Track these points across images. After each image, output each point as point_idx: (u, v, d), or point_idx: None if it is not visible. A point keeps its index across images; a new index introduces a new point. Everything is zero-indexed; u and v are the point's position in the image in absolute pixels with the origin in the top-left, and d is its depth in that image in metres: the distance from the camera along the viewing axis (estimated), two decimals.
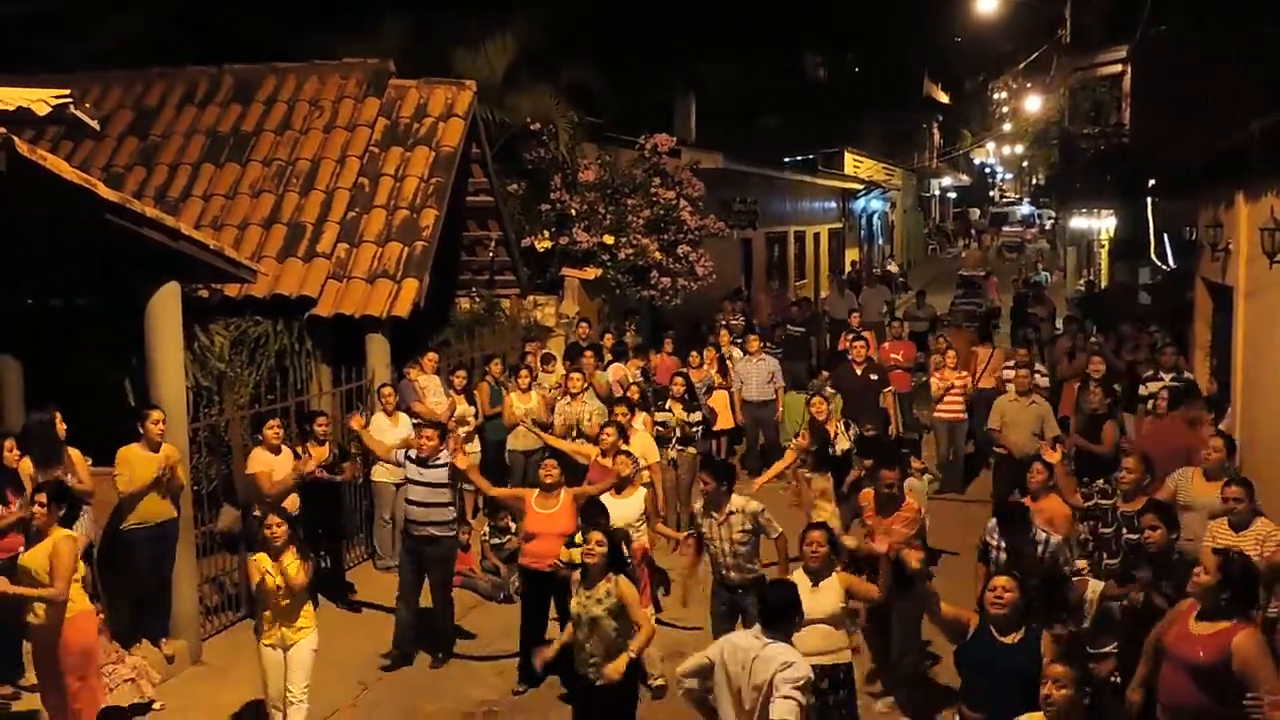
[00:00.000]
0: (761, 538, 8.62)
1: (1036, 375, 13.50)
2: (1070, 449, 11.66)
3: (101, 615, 8.50)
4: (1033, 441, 11.82)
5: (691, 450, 12.90)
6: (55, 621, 7.46)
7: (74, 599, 7.58)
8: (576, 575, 7.58)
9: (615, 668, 7.15)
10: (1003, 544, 8.03)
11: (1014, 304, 25.33)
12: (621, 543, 7.83)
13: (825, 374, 14.39)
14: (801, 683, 5.85)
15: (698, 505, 8.86)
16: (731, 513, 8.49)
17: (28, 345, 10.85)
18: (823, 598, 7.17)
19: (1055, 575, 7.49)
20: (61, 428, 8.81)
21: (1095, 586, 7.51)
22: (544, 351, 14.32)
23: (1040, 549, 7.76)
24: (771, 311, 23.34)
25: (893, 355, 15.65)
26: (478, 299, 15.50)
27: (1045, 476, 8.85)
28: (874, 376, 14.03)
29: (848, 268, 34.61)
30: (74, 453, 8.94)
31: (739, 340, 16.71)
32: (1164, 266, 18.02)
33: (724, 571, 8.58)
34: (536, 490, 9.38)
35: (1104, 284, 27.76)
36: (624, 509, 9.32)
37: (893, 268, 40.07)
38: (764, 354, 15.29)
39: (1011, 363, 13.61)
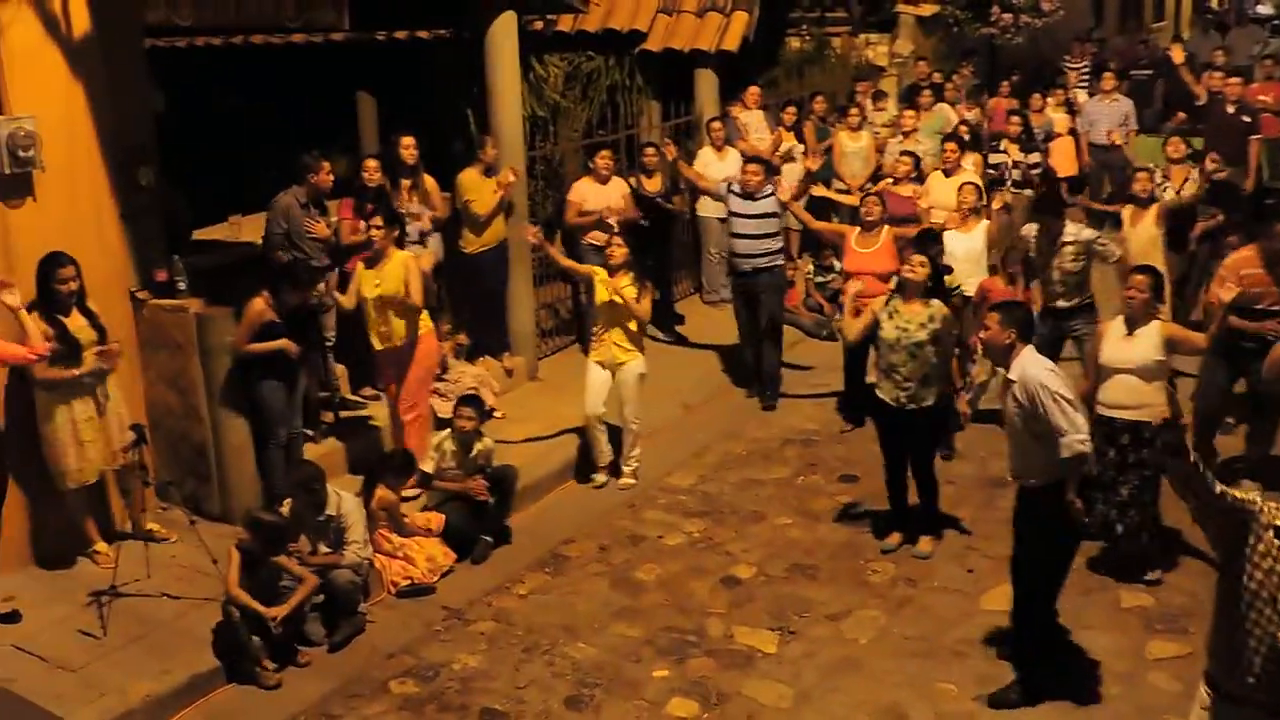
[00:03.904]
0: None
1: None
2: None
3: (447, 327, 9.13)
4: None
5: (1027, 193, 12.34)
6: (411, 338, 7.97)
7: (422, 319, 8.07)
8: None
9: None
10: None
11: None
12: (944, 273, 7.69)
13: (1182, 115, 13.25)
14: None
15: (1030, 229, 8.59)
16: (1065, 242, 8.23)
17: (379, 79, 11.42)
18: (1136, 346, 6.73)
19: None
20: (411, 154, 9.21)
21: None
22: (875, 89, 13.86)
23: None
24: (1121, 55, 21.63)
25: (1261, 97, 14.18)
26: (807, 37, 15.07)
27: None
28: (1247, 119, 12.80)
29: (1215, 5, 31.43)
30: (428, 179, 9.34)
31: (1085, 84, 15.67)
32: None
33: (1054, 300, 8.41)
34: (858, 228, 9.22)
35: None
36: (967, 244, 9.13)
37: (1266, 9, 36.10)
38: (1118, 95, 14.23)
39: None
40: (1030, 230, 8.63)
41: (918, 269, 7.14)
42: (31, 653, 6.29)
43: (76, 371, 6.82)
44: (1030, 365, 5.68)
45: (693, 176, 10.42)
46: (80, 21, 6.99)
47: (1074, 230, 8.41)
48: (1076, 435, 5.54)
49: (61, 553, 7.16)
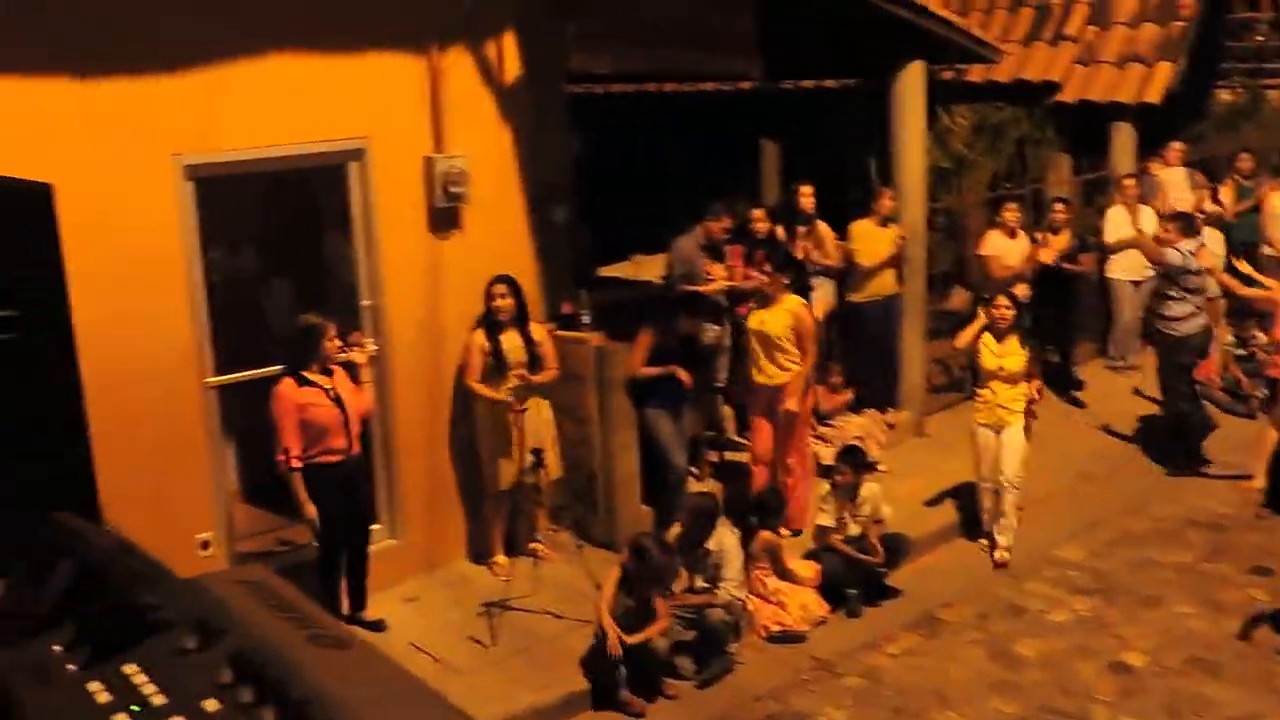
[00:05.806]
0: None
1: None
2: None
3: (839, 379, 9.09)
4: None
5: None
6: (787, 380, 7.98)
7: (801, 365, 8.02)
8: None
9: None
10: None
11: None
12: None
13: None
14: None
15: None
16: None
17: (784, 127, 11.59)
18: None
19: None
20: (810, 202, 9.28)
21: None
22: None
23: None
24: None
25: None
26: (1240, 89, 14.04)
27: None
28: None
29: None
30: (822, 225, 9.38)
31: None
32: None
33: None
34: None
35: None
36: None
37: None
38: None
39: None
40: None
41: None
42: (426, 652, 6.72)
43: (501, 386, 7.29)
44: None
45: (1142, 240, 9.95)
46: (511, 68, 7.51)
47: None
48: None
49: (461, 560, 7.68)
